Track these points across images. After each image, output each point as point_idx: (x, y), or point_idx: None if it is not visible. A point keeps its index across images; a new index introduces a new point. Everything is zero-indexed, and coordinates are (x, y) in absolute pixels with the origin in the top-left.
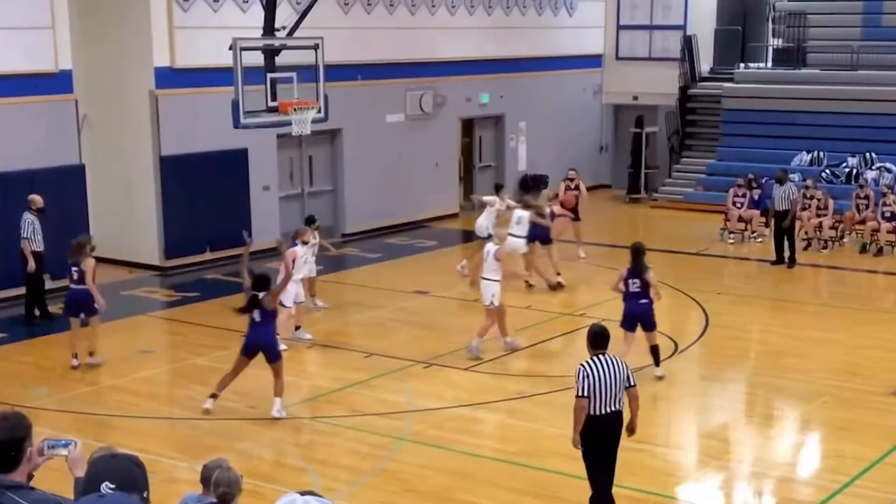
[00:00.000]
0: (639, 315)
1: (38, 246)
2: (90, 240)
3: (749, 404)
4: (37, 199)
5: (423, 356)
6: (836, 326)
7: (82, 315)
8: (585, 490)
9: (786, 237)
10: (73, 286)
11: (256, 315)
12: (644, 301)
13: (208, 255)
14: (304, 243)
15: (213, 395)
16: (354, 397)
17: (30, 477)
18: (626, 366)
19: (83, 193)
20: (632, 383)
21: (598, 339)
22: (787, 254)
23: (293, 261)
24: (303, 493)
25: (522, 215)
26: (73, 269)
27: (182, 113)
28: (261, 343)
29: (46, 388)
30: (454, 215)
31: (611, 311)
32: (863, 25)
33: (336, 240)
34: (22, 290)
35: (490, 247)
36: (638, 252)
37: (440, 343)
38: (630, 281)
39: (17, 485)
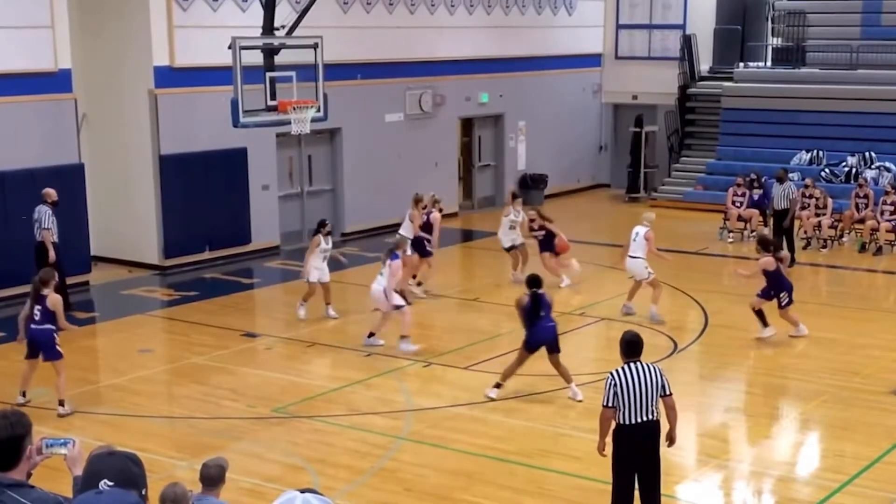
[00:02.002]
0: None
1: (55, 238)
2: (54, 274)
3: (748, 403)
4: (51, 193)
5: (423, 355)
6: (836, 326)
7: (41, 357)
8: (584, 489)
9: (785, 236)
10: (33, 326)
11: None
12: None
13: (207, 255)
14: (405, 252)
15: (498, 385)
16: (354, 396)
17: (28, 475)
18: (662, 374)
19: (82, 193)
20: (667, 392)
21: (630, 348)
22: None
23: (397, 272)
24: (303, 491)
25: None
26: (37, 307)
27: (181, 112)
28: (548, 338)
29: (46, 387)
30: (454, 215)
31: (611, 311)
32: (862, 25)
33: (335, 239)
34: (18, 290)
35: (640, 228)
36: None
37: (439, 342)
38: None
39: (18, 483)
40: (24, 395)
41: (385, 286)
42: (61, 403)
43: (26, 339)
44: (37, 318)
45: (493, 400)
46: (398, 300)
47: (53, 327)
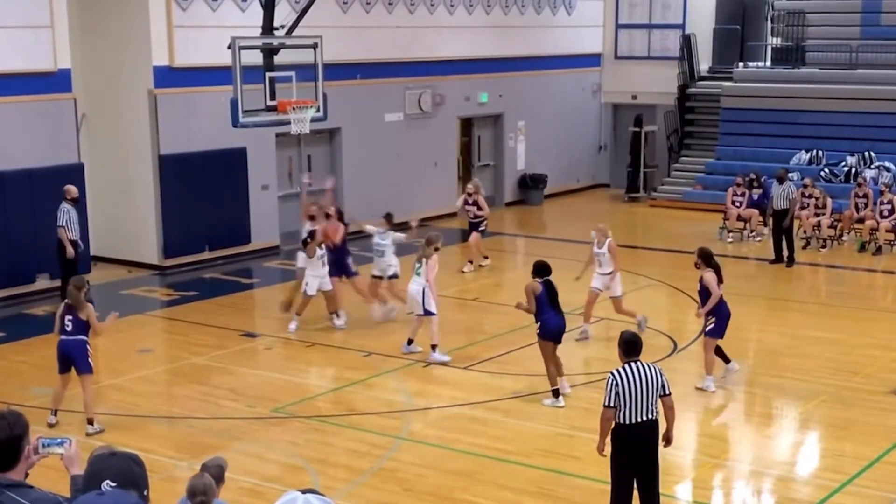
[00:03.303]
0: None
1: (74, 234)
2: (86, 282)
3: (748, 403)
4: (72, 190)
5: (422, 355)
6: (835, 325)
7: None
8: (584, 489)
9: (784, 236)
10: (64, 338)
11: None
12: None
13: (207, 255)
14: (437, 249)
15: (556, 392)
16: (353, 396)
17: (25, 475)
18: (662, 373)
19: (82, 193)
20: (667, 392)
21: (630, 347)
22: (785, 253)
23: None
24: (304, 492)
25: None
26: (68, 317)
27: (181, 112)
28: (561, 329)
29: (46, 387)
30: (453, 214)
31: (609, 311)
32: (861, 24)
33: None
34: (19, 290)
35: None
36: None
37: (439, 342)
38: (720, 285)
39: (17, 483)
40: (55, 413)
41: (425, 286)
42: (90, 422)
43: (58, 351)
44: (68, 328)
45: (560, 407)
46: (432, 306)
47: (86, 338)
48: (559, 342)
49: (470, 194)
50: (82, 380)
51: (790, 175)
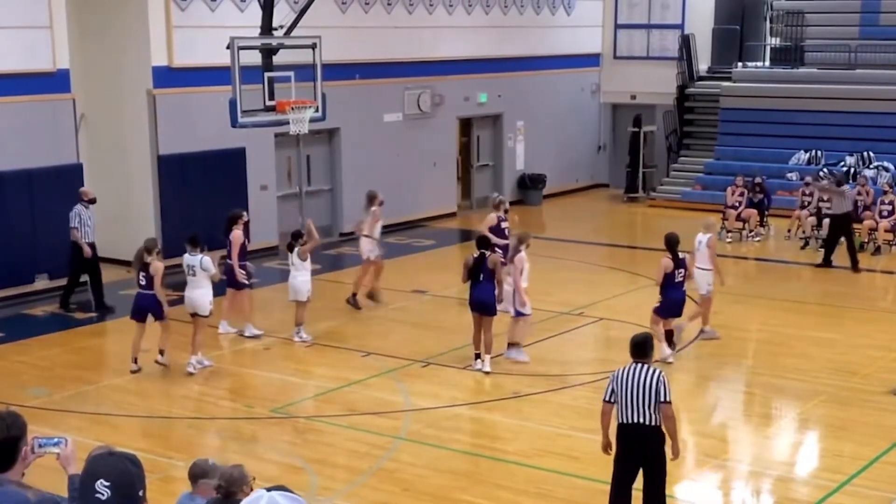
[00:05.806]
0: (682, 303)
1: (87, 237)
2: (157, 244)
3: (747, 403)
4: (86, 192)
5: (421, 355)
6: (834, 325)
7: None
8: (582, 490)
9: (846, 240)
10: (139, 291)
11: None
12: (685, 290)
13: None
14: (527, 247)
15: (477, 356)
16: (352, 396)
17: (21, 476)
18: (660, 380)
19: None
20: (662, 399)
21: (634, 349)
22: (835, 257)
23: (522, 268)
24: (270, 489)
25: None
26: (141, 273)
27: (180, 112)
28: (484, 300)
29: (45, 387)
30: (452, 214)
31: (608, 311)
32: (860, 24)
33: (334, 239)
34: (18, 290)
35: (702, 237)
36: (677, 243)
37: (438, 342)
38: (676, 272)
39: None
40: (135, 361)
41: (514, 286)
42: (161, 352)
43: (134, 301)
44: (142, 283)
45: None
46: (525, 307)
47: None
48: (483, 314)
49: (507, 211)
50: (163, 326)
51: (790, 175)
